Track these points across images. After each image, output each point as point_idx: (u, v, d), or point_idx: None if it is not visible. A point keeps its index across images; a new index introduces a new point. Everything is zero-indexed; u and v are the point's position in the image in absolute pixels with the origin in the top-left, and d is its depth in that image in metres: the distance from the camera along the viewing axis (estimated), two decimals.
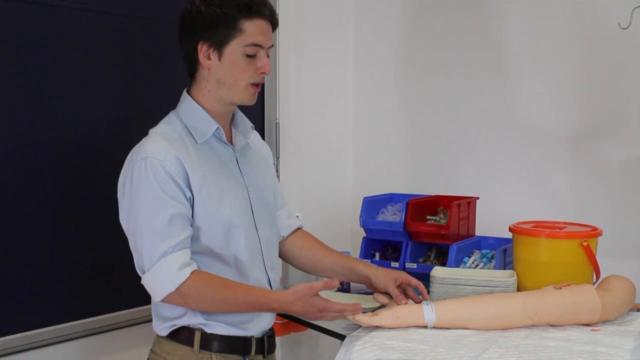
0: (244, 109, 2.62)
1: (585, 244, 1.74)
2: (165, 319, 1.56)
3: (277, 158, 2.65)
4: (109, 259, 2.04)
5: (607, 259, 1.84)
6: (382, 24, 2.87)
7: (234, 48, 1.50)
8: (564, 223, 1.86)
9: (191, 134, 1.55)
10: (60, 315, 1.97)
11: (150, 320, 1.63)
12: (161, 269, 1.45)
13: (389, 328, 1.57)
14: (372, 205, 2.38)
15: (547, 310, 1.58)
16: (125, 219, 1.51)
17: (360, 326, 1.61)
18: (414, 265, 2.20)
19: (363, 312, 1.64)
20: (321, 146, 2.88)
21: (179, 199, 1.47)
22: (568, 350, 1.43)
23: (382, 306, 1.72)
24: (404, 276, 1.72)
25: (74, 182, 1.98)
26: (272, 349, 1.68)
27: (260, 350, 1.62)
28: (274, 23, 1.55)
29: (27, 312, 1.91)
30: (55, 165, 1.92)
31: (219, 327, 1.55)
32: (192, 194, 1.49)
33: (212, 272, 1.52)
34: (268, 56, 1.55)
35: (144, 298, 1.75)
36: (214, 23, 1.48)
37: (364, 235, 2.35)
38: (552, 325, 1.60)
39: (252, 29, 1.49)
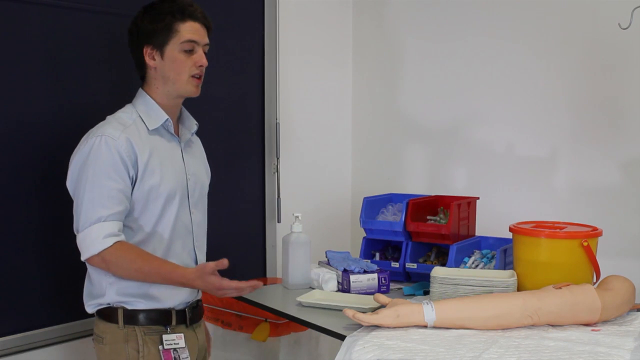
0: (243, 107, 2.62)
1: (585, 244, 1.74)
2: (91, 297, 1.74)
3: (277, 158, 2.65)
4: None
5: (607, 259, 1.84)
6: (382, 24, 2.88)
7: (173, 47, 1.73)
8: (564, 223, 1.86)
9: (143, 122, 1.75)
10: (60, 316, 1.97)
11: None
12: (91, 233, 1.63)
13: (389, 327, 1.58)
14: (372, 205, 2.37)
15: (547, 310, 1.58)
16: (73, 184, 1.69)
17: (361, 326, 1.61)
18: (414, 265, 2.20)
19: (363, 313, 1.64)
20: (321, 146, 2.88)
21: (122, 176, 1.66)
22: (568, 350, 1.43)
23: (382, 306, 1.71)
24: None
25: None
26: (195, 319, 1.83)
27: (182, 321, 1.77)
28: (207, 25, 1.78)
29: (27, 312, 1.91)
30: (55, 165, 1.91)
31: (138, 303, 1.71)
32: (137, 173, 1.68)
33: (138, 247, 1.69)
34: (205, 53, 1.77)
35: None
36: (154, 29, 1.73)
37: (364, 235, 2.34)
38: (552, 326, 1.61)
39: (186, 28, 1.74)
